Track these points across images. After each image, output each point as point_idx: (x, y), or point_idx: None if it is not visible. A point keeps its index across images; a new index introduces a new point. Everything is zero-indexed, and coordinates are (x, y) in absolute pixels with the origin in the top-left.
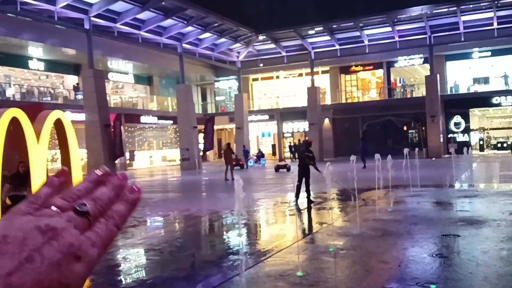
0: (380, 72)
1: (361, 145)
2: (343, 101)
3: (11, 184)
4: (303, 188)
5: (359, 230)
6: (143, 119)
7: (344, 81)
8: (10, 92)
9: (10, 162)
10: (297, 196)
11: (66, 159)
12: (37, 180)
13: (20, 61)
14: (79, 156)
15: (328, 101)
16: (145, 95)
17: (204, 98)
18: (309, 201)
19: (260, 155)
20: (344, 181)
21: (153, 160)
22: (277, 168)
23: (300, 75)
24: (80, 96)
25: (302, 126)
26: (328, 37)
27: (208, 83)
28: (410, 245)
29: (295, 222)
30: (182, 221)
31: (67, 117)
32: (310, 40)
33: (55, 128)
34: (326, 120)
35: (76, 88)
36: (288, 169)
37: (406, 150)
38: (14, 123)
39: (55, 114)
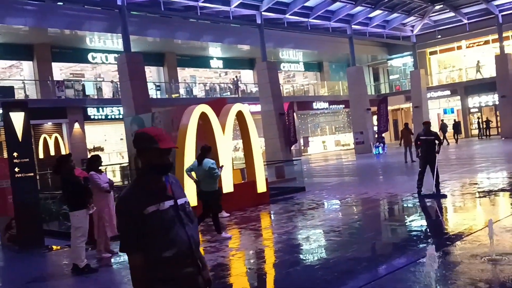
0: None
1: None
2: None
3: None
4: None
5: None
6: (315, 105)
7: None
8: (195, 91)
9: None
10: (418, 185)
11: (247, 147)
12: (224, 167)
13: (202, 62)
14: (259, 144)
15: None
16: (315, 82)
17: (376, 78)
18: (438, 194)
19: (381, 140)
20: None
21: (326, 145)
22: None
23: (487, 42)
24: (255, 89)
25: (491, 99)
26: None
27: (380, 62)
28: None
29: (486, 204)
30: (360, 204)
31: (247, 109)
32: (496, 2)
33: (237, 119)
34: None
35: (235, 82)
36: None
37: None
38: (202, 118)
39: (236, 107)
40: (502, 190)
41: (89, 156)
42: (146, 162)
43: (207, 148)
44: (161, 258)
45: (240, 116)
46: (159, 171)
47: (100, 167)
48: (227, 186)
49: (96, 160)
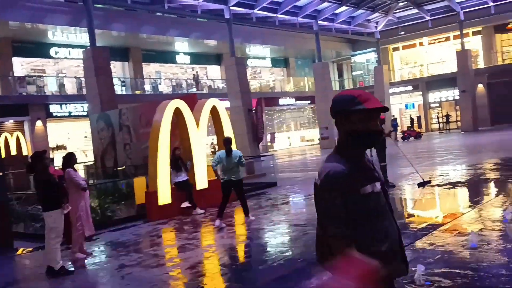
0: None
1: None
2: (500, 63)
3: (172, 169)
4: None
5: None
6: (281, 101)
7: (499, 41)
8: (161, 87)
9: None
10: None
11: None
12: (198, 163)
13: (168, 57)
14: (233, 139)
15: (481, 64)
16: (282, 78)
17: (340, 74)
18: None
19: None
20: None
21: (291, 140)
22: None
23: (447, 39)
24: (222, 84)
25: (451, 94)
26: None
27: (345, 58)
28: None
29: (454, 196)
30: None
31: (221, 104)
32: None
33: (211, 115)
34: (480, 86)
35: (196, 78)
36: None
37: None
38: (174, 113)
39: (211, 103)
40: (465, 182)
41: (51, 155)
42: (347, 131)
43: (230, 139)
44: (373, 252)
45: (214, 111)
46: (365, 140)
47: (75, 165)
48: (201, 182)
49: (71, 158)
